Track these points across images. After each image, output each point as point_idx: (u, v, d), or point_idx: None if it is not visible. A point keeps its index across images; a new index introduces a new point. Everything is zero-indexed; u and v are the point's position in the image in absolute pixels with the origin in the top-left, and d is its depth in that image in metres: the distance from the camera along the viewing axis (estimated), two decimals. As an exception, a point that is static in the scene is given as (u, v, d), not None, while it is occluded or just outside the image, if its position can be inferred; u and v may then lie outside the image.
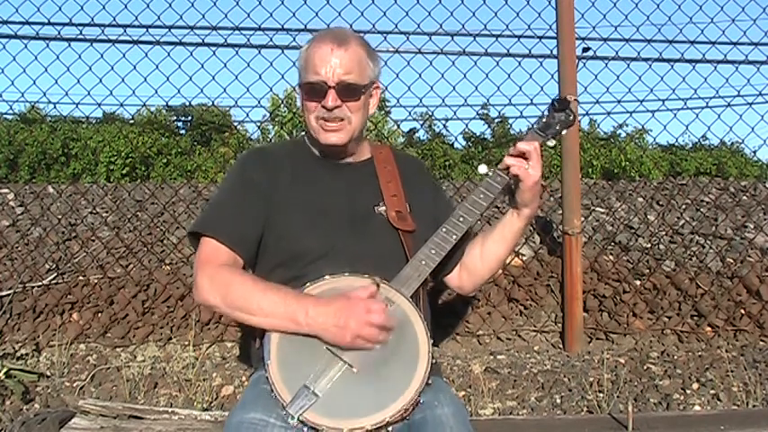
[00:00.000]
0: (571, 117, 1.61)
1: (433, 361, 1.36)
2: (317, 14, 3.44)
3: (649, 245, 3.43)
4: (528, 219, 1.61)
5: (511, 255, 3.17)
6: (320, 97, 1.52)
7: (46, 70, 3.36)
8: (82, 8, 3.47)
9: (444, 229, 1.51)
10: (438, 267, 1.51)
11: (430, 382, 1.33)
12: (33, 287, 3.13)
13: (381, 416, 1.26)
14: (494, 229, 1.67)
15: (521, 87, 3.47)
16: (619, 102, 3.78)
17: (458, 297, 3.07)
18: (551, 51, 3.28)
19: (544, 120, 1.60)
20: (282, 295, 1.38)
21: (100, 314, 3.06)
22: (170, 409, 1.99)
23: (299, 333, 1.35)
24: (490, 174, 1.55)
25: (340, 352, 1.33)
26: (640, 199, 4.10)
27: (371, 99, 1.63)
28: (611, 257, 3.26)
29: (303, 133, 1.72)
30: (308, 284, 1.42)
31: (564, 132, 1.62)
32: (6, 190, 4.41)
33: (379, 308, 1.33)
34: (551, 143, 1.59)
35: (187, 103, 5.22)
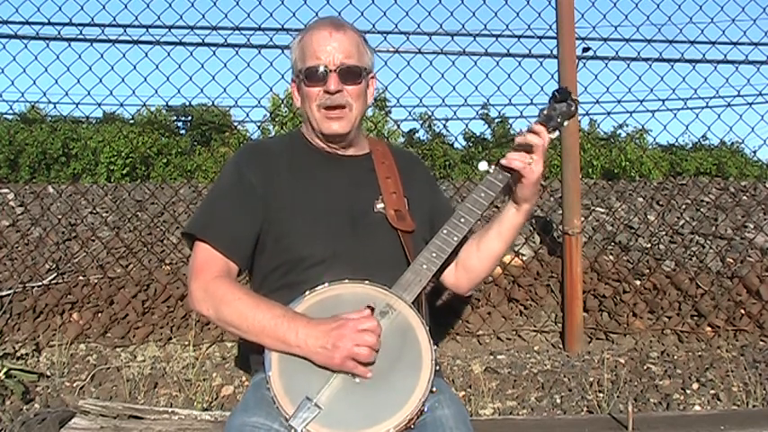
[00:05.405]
0: (573, 107, 1.55)
1: (437, 368, 1.34)
2: (316, 14, 3.44)
3: (649, 245, 3.43)
4: (527, 214, 1.57)
5: (510, 254, 3.17)
6: (321, 82, 1.50)
7: (46, 70, 3.36)
8: (82, 8, 3.48)
9: (445, 231, 1.47)
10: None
11: (434, 390, 1.30)
12: (33, 287, 3.13)
13: (385, 427, 1.24)
14: (491, 225, 1.62)
15: (521, 87, 3.48)
16: (619, 102, 3.78)
17: (457, 297, 3.07)
18: (551, 51, 3.28)
19: (545, 112, 1.54)
20: (274, 314, 1.33)
21: (100, 314, 3.06)
22: (170, 409, 1.99)
23: (291, 354, 1.31)
24: (491, 171, 1.51)
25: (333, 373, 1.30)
26: (640, 199, 4.10)
27: (369, 89, 1.61)
28: (611, 257, 3.26)
29: (300, 126, 1.69)
30: (307, 293, 1.39)
31: (566, 124, 1.57)
32: (6, 190, 4.41)
33: (371, 330, 1.28)
34: (554, 135, 1.53)
35: (187, 103, 5.23)
